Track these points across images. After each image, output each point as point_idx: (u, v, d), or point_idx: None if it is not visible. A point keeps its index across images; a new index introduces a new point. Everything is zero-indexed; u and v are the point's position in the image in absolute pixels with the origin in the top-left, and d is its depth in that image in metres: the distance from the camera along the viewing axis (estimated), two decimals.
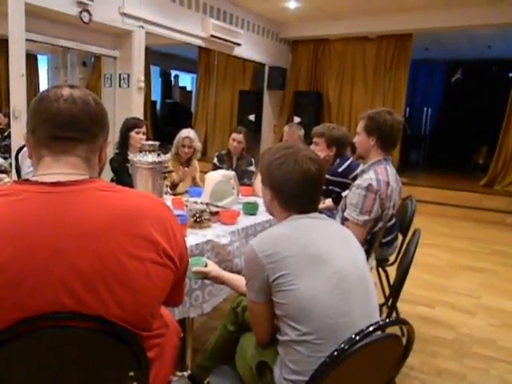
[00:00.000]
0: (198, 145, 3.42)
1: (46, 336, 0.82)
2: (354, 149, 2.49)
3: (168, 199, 2.43)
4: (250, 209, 2.42)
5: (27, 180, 0.90)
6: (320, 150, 2.78)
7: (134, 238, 0.87)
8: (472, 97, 9.44)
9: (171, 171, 2.18)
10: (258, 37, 7.19)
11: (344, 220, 2.17)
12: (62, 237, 0.82)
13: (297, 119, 7.49)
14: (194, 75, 10.25)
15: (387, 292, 2.40)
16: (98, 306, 0.82)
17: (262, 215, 2.34)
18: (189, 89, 12.40)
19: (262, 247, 1.19)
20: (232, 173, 2.59)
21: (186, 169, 3.39)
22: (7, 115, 4.71)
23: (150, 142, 2.15)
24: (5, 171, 5.06)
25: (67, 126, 0.90)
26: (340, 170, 2.79)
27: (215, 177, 2.44)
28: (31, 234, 0.81)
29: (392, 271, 2.16)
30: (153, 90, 10.02)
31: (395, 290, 1.72)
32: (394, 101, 7.19)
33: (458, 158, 9.05)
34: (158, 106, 11.56)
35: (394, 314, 1.91)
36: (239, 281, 1.50)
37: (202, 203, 2.14)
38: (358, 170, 2.59)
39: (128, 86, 5.30)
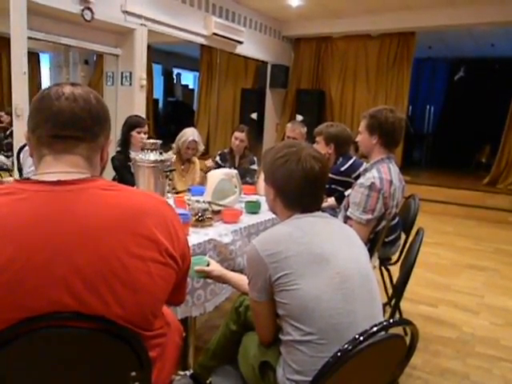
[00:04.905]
0: (202, 146, 3.49)
1: (47, 336, 0.81)
2: (357, 148, 2.48)
3: (170, 198, 2.43)
4: (253, 207, 2.41)
5: (28, 179, 0.89)
6: (320, 148, 2.78)
7: (136, 237, 0.86)
8: (475, 95, 9.39)
9: (173, 169, 2.18)
10: (261, 35, 7.17)
11: (347, 219, 2.16)
12: (63, 236, 0.82)
13: (299, 117, 7.47)
14: (196, 73, 10.23)
15: (390, 291, 2.39)
16: (100, 306, 0.82)
17: (265, 214, 2.33)
18: (191, 87, 12.39)
19: (265, 246, 1.18)
20: (234, 171, 2.58)
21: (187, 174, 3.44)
22: (9, 114, 4.71)
23: (152, 141, 2.15)
24: (7, 170, 5.07)
25: (68, 125, 0.89)
26: (343, 168, 2.78)
27: (217, 175, 2.43)
28: (32, 233, 0.81)
29: (395, 270, 2.15)
30: (155, 88, 10.02)
31: (398, 289, 1.71)
32: (396, 99, 7.16)
33: (461, 157, 9.02)
34: (160, 105, 11.56)
35: (396, 314, 1.90)
36: (241, 280, 1.49)
37: (204, 202, 2.13)
38: (361, 169, 2.58)
39: (130, 84, 5.29)
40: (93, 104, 0.92)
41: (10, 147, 4.67)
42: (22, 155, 3.05)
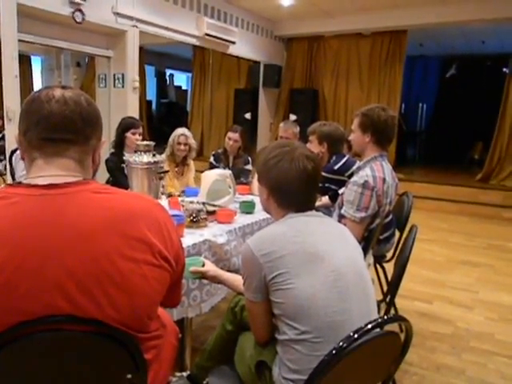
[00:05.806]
0: (194, 142, 3.42)
1: (41, 340, 0.81)
2: (351, 146, 2.49)
3: (164, 199, 2.42)
4: (247, 207, 2.41)
5: (20, 183, 0.89)
6: (313, 147, 2.79)
7: (128, 239, 0.86)
8: (467, 92, 9.45)
9: (167, 171, 2.17)
10: (253, 35, 7.17)
11: (341, 217, 2.17)
12: (55, 239, 0.81)
13: (293, 117, 7.48)
14: (189, 74, 10.22)
15: (385, 288, 2.41)
16: (94, 309, 0.82)
17: (259, 214, 2.34)
18: (184, 88, 12.37)
19: (259, 246, 1.18)
20: (228, 172, 2.58)
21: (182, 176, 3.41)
22: (1, 117, 4.68)
23: (146, 142, 2.14)
24: (0, 174, 5.04)
25: (59, 128, 0.89)
26: (336, 167, 2.78)
27: (211, 176, 2.43)
28: (25, 236, 0.81)
29: (390, 267, 2.16)
30: (148, 89, 10.00)
31: (393, 286, 1.72)
32: (389, 97, 7.19)
33: (454, 154, 9.08)
34: (154, 106, 11.53)
35: (392, 311, 1.92)
36: (237, 280, 1.49)
37: (198, 203, 2.13)
38: (355, 167, 2.59)
39: (122, 86, 5.27)
40: (84, 106, 0.92)
41: (2, 151, 4.63)
42: (13, 159, 3.03)
